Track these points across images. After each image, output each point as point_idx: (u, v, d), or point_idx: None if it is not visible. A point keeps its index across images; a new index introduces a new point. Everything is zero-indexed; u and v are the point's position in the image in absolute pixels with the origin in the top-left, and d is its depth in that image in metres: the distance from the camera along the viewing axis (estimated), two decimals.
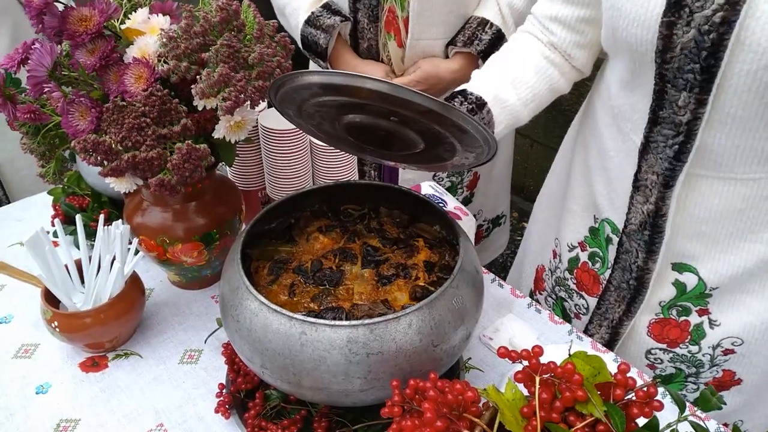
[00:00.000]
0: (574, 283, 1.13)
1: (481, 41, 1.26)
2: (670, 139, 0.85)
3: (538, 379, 0.59)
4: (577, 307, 1.13)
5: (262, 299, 0.70)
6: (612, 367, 0.60)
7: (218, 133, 0.81)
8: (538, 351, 0.61)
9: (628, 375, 0.58)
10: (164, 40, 0.76)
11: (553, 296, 1.20)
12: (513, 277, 1.41)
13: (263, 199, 1.19)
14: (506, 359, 0.62)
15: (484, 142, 0.71)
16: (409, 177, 1.53)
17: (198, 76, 0.75)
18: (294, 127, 1.04)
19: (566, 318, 1.17)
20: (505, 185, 1.73)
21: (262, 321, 0.70)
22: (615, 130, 0.98)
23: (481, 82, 0.99)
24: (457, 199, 1.60)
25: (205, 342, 0.95)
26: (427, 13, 1.26)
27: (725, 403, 1.03)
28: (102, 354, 0.95)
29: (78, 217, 0.94)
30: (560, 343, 0.94)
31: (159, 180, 0.78)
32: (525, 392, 0.62)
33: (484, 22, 1.26)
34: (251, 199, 1.17)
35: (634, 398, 0.58)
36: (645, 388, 0.57)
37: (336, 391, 0.69)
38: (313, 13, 1.30)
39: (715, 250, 0.92)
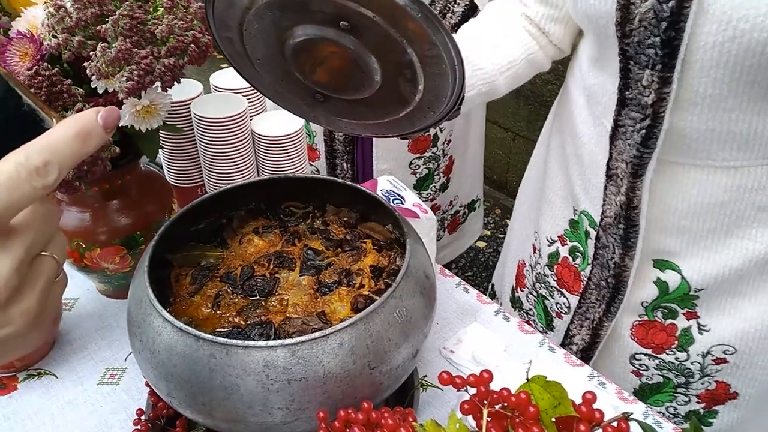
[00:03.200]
0: (554, 280, 1.03)
1: (454, 14, 1.15)
2: (637, 122, 0.75)
3: (486, 411, 0.48)
4: (559, 305, 1.04)
5: (166, 315, 0.59)
6: (585, 385, 0.50)
7: (124, 120, 0.69)
8: (487, 377, 0.50)
9: (596, 406, 0.48)
10: (51, 9, 0.64)
11: (534, 293, 1.11)
12: (498, 273, 1.32)
13: None
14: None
15: (449, 64, 0.59)
16: (384, 167, 1.42)
17: (93, 53, 0.64)
18: (230, 115, 0.93)
19: (548, 317, 1.07)
20: (478, 167, 1.69)
21: (165, 341, 0.58)
22: (587, 113, 0.89)
23: None
24: (434, 186, 1.52)
25: (126, 360, 0.84)
26: None
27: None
28: (11, 374, 0.83)
29: None
30: (529, 357, 0.83)
31: None
32: (473, 425, 0.51)
33: None
34: (190, 198, 1.05)
35: None
36: (615, 424, 0.46)
37: (254, 423, 0.58)
38: None
39: (697, 247, 0.82)
